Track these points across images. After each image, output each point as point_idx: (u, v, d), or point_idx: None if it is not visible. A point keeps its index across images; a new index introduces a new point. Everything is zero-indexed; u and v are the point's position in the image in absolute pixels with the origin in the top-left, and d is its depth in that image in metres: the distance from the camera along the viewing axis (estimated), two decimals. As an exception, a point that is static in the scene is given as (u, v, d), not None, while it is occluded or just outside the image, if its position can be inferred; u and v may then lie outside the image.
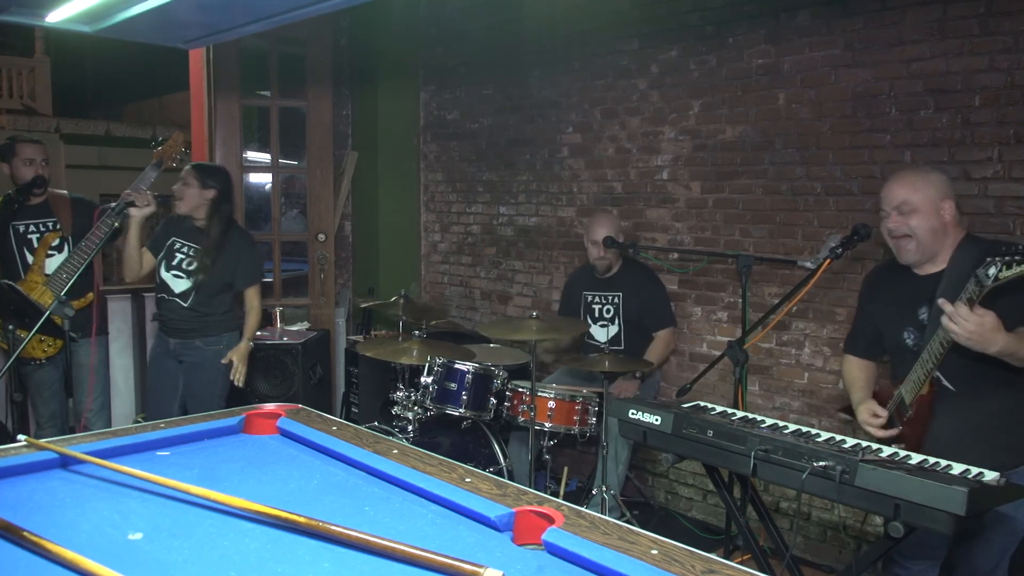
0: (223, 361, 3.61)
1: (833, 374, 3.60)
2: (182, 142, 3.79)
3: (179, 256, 3.62)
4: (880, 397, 2.60)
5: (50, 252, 3.71)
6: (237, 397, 3.73)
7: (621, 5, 4.27)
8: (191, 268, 3.59)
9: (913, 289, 2.50)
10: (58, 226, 3.77)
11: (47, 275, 3.64)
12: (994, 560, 2.47)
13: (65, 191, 3.95)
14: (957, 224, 2.46)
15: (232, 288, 3.67)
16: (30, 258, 3.72)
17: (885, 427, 2.50)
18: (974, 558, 2.48)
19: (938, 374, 2.36)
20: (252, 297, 3.70)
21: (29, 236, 3.74)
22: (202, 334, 3.63)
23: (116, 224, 3.50)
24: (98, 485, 1.60)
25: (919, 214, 2.42)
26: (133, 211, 3.50)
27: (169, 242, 3.64)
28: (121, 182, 4.03)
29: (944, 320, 2.19)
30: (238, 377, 3.63)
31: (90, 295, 3.81)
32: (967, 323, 2.12)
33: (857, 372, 2.76)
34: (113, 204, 3.54)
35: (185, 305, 3.60)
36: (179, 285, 3.60)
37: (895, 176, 2.53)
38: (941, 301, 2.19)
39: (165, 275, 3.63)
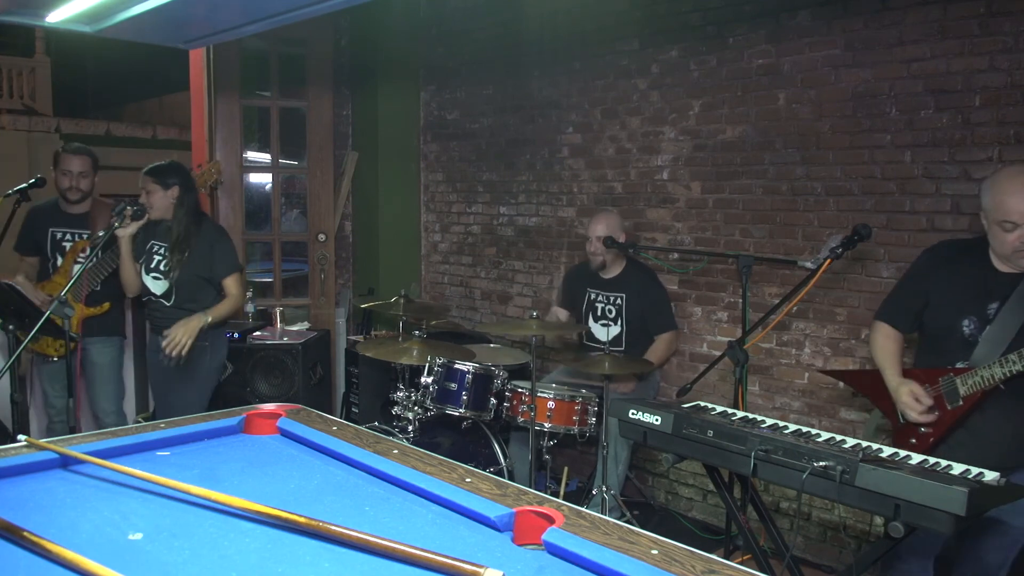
0: (163, 343, 3.45)
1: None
2: (217, 171, 4.04)
3: (156, 258, 3.64)
4: (913, 377, 2.58)
5: (78, 260, 3.86)
6: (237, 398, 3.73)
7: (621, 5, 4.26)
8: (165, 268, 3.60)
9: (986, 280, 2.45)
10: (88, 236, 3.94)
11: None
12: (1004, 555, 2.47)
13: (111, 200, 4.07)
14: None
15: (211, 281, 3.64)
16: (60, 261, 3.93)
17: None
18: (986, 553, 2.48)
19: None
20: (231, 285, 3.62)
21: (64, 244, 3.95)
22: None
23: (103, 235, 3.59)
24: (98, 485, 1.60)
25: None
26: (119, 232, 3.56)
27: (148, 246, 3.68)
28: (121, 182, 4.06)
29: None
30: (171, 347, 3.41)
31: (106, 304, 3.95)
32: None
33: (893, 344, 2.70)
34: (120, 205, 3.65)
35: (168, 304, 3.61)
36: (158, 287, 3.63)
37: (1014, 183, 2.32)
38: None
39: (146, 278, 3.66)
